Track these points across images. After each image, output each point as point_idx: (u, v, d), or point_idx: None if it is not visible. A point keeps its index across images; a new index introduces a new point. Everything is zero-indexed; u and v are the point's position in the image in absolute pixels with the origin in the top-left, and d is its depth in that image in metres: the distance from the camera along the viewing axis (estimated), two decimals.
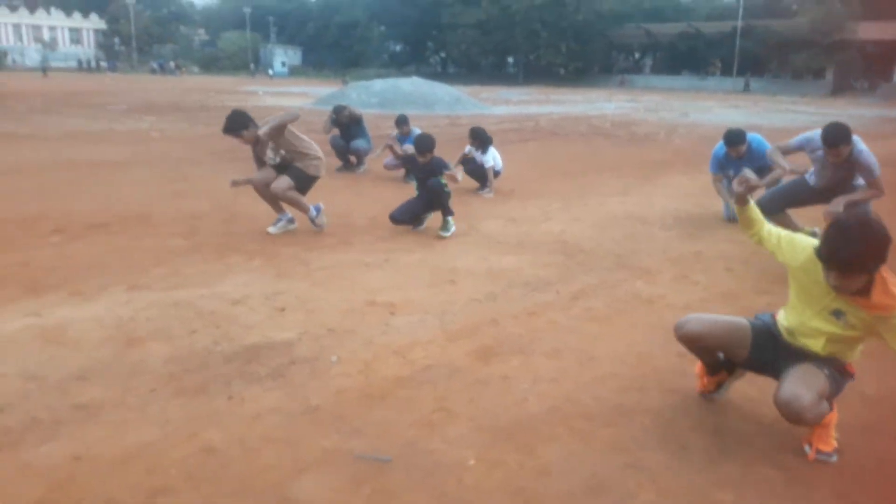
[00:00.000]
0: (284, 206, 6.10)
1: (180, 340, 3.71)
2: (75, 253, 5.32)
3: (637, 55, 71.75)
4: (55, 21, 79.08)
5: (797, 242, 2.75)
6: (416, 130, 9.18)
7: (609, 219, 7.15)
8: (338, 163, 10.15)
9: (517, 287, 4.80)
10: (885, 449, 2.80)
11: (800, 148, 5.31)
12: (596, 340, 3.87)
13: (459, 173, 6.56)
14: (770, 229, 2.87)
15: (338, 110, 10.11)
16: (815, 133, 5.04)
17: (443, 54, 77.66)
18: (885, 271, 2.43)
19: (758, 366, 2.92)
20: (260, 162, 6.14)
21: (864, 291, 2.43)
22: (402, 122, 9.35)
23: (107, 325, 3.88)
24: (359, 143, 9.99)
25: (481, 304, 4.43)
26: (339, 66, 70.53)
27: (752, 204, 2.89)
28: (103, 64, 67.93)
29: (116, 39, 78.35)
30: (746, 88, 52.90)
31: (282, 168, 5.98)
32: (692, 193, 8.66)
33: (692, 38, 60.20)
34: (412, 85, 26.58)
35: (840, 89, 51.67)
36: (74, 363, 3.39)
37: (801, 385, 2.55)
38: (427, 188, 6.16)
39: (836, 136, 4.75)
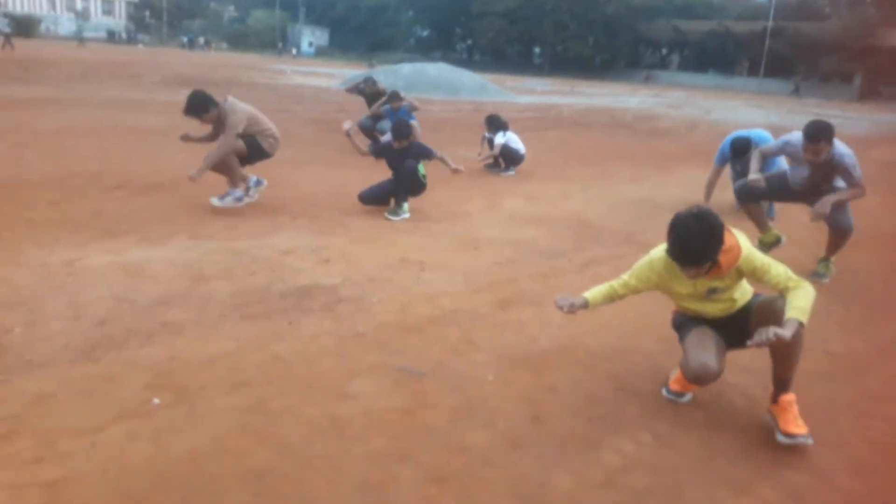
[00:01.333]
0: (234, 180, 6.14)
1: (241, 280, 4.31)
2: (139, 206, 5.93)
3: (664, 51, 71.55)
4: None
5: (643, 268, 3.00)
6: (406, 104, 9.55)
7: (623, 202, 7.68)
8: (367, 142, 10.78)
9: (534, 254, 5.36)
10: (846, 394, 3.33)
11: (781, 149, 5.25)
12: None
13: (454, 164, 6.33)
14: (623, 284, 3.06)
15: (367, 81, 11.06)
16: (795, 135, 4.97)
17: (469, 42, 77.87)
18: None
19: (732, 345, 3.00)
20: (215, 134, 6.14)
21: (713, 263, 2.74)
22: (394, 97, 9.63)
23: (177, 265, 4.49)
24: (384, 125, 10.55)
25: (501, 267, 4.99)
26: (366, 48, 70.99)
27: (594, 299, 3.08)
28: (140, 36, 68.76)
29: (147, 12, 79.21)
30: (796, 92, 51.67)
31: (240, 136, 6.00)
32: (703, 184, 9.12)
33: (721, 37, 60.01)
34: (438, 70, 27.07)
35: (867, 95, 51.46)
36: (155, 292, 3.99)
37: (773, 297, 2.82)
38: (402, 169, 6.20)
39: (818, 132, 4.65)
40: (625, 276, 3.10)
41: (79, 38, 52.15)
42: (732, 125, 18.97)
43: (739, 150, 6.92)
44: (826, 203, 4.79)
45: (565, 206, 7.29)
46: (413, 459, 2.52)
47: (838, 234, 5.08)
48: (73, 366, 3.05)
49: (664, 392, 3.16)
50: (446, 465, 2.51)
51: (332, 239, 5.34)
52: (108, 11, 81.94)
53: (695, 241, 2.62)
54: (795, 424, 2.76)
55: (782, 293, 2.75)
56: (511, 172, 9.02)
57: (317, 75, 33.82)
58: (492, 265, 5.01)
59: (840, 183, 4.98)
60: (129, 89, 17.87)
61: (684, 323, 3.14)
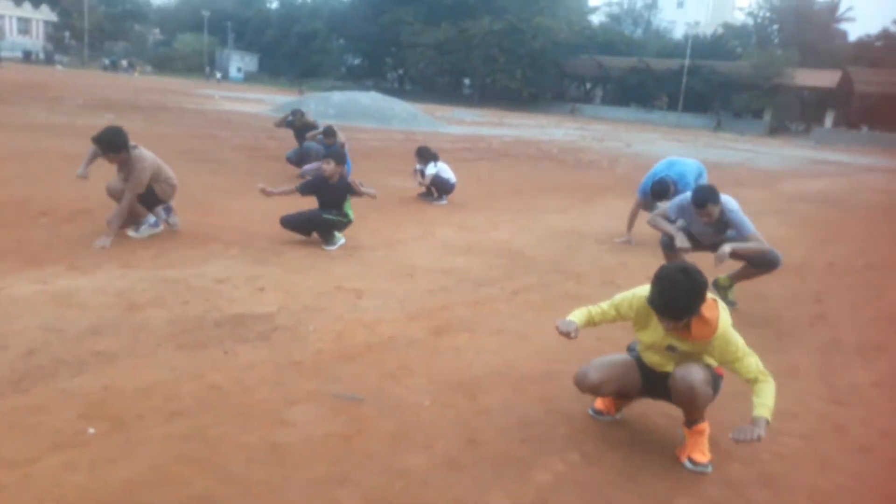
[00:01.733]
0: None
1: (175, 308, 4.28)
2: (65, 233, 5.79)
3: (588, 85, 74.05)
4: (3, 10, 76.93)
5: (622, 301, 3.11)
6: (340, 140, 9.67)
7: (550, 232, 7.95)
8: (297, 170, 10.73)
9: (467, 282, 5.51)
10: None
11: (678, 213, 5.47)
12: (532, 325, 4.60)
13: (371, 189, 6.35)
14: (601, 312, 3.17)
15: (295, 113, 10.96)
16: (687, 198, 5.28)
17: (400, 71, 78.65)
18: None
19: (650, 393, 3.22)
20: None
21: (686, 325, 2.84)
22: (329, 133, 9.76)
23: (108, 294, 4.42)
24: (310, 145, 10.43)
25: (436, 294, 5.12)
26: (296, 75, 70.79)
27: (578, 322, 3.11)
28: (59, 57, 66.34)
29: (67, 33, 76.76)
30: (718, 127, 53.87)
31: None
32: (626, 215, 9.53)
33: (641, 73, 62.61)
34: (370, 99, 27.24)
35: (777, 130, 54.67)
36: (85, 321, 3.93)
37: (690, 367, 2.91)
38: (313, 216, 6.20)
39: (703, 198, 5.01)
40: (604, 305, 3.17)
41: None
42: (653, 157, 19.81)
43: (658, 194, 7.20)
44: (725, 250, 5.06)
45: (496, 235, 7.50)
46: (353, 483, 2.59)
47: (763, 266, 5.26)
48: (1, 397, 2.98)
49: (590, 411, 3.33)
50: (386, 488, 2.58)
51: (266, 268, 5.35)
52: (24, 31, 78.98)
53: (679, 296, 2.71)
54: (701, 453, 2.96)
55: (748, 383, 2.86)
56: (443, 202, 9.21)
57: (246, 101, 33.50)
58: (426, 293, 5.13)
59: (733, 233, 5.26)
60: (50, 112, 17.29)
61: (630, 350, 3.31)
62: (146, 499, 2.38)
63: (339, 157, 6.31)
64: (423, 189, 9.46)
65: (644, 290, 2.98)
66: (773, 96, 54.93)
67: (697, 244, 5.53)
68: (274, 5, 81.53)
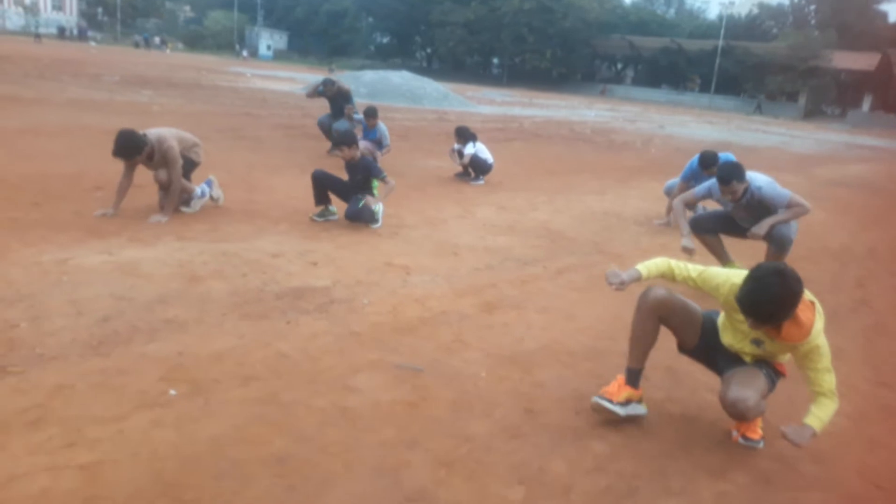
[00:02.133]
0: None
1: (235, 280, 4.45)
2: (121, 207, 5.97)
3: (619, 66, 73.17)
4: None
5: (713, 279, 2.94)
6: (382, 126, 9.75)
7: (588, 213, 8.01)
8: (328, 143, 10.76)
9: (510, 261, 5.62)
10: (804, 393, 3.64)
11: (706, 195, 5.38)
12: (577, 304, 4.71)
13: (378, 204, 6.27)
14: (685, 275, 3.01)
15: (327, 83, 10.83)
16: (714, 181, 5.16)
17: (429, 50, 78.30)
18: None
19: (702, 355, 3.17)
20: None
21: (776, 325, 2.70)
22: (370, 113, 9.68)
23: (170, 265, 4.60)
24: (340, 125, 10.46)
25: (481, 272, 5.24)
26: (325, 53, 70.84)
27: (645, 273, 3.03)
28: (92, 34, 66.99)
29: (100, 9, 77.46)
30: (758, 111, 53.08)
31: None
32: (662, 197, 9.52)
33: (674, 54, 61.70)
34: (401, 78, 27.28)
35: (812, 113, 53.61)
36: (152, 291, 4.11)
37: (745, 387, 2.80)
38: (346, 215, 6.22)
39: (727, 175, 4.89)
40: (691, 270, 3.01)
41: (35, 33, 50.93)
42: (685, 140, 19.69)
43: (707, 162, 7.10)
44: (763, 224, 5.10)
45: (534, 215, 7.58)
46: (422, 447, 2.73)
47: (775, 247, 5.23)
48: (84, 359, 3.17)
49: (595, 399, 3.09)
50: (453, 451, 2.72)
51: (316, 243, 5.51)
52: (58, 7, 79.84)
53: (769, 301, 2.55)
54: (754, 431, 3.04)
55: (815, 393, 2.82)
56: (481, 182, 9.31)
57: (277, 79, 33.67)
58: (472, 270, 5.25)
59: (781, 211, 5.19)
60: (89, 89, 17.60)
61: (709, 314, 3.18)
62: (231, 455, 2.54)
63: (348, 139, 6.21)
64: (459, 169, 9.55)
65: (740, 277, 2.77)
66: (809, 79, 53.81)
67: (738, 230, 5.50)
68: None
